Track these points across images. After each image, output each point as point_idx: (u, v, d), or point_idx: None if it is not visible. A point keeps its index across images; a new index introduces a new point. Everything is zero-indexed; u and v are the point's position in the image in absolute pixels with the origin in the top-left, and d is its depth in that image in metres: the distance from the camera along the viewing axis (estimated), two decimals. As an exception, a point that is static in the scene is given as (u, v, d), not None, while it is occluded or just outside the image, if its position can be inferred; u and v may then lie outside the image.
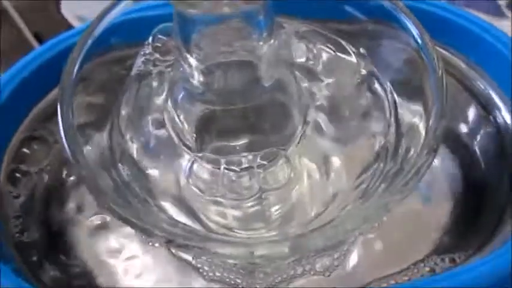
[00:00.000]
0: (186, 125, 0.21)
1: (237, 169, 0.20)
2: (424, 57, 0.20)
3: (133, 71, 0.23)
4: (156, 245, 0.23)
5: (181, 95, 0.20)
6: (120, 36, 0.23)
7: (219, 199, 0.22)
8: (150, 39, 0.23)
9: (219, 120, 0.20)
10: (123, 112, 0.22)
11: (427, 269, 0.21)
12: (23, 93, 0.26)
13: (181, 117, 0.20)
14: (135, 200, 0.19)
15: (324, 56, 0.24)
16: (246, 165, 0.20)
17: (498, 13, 0.47)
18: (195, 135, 0.20)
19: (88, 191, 0.18)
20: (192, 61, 0.18)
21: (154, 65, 0.23)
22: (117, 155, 0.21)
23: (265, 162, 0.21)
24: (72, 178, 0.25)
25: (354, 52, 0.24)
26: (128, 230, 0.23)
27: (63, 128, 0.18)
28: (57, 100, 0.19)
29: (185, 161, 0.22)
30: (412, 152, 0.19)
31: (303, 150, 0.22)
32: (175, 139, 0.21)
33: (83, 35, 0.20)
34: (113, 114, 0.22)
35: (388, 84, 0.22)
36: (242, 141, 0.20)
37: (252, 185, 0.21)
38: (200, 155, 0.20)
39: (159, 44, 0.23)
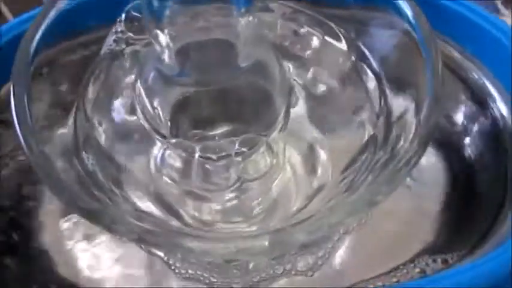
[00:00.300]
0: (159, 110, 0.19)
1: (213, 157, 0.19)
2: (419, 42, 0.18)
3: (103, 50, 0.21)
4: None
5: (152, 77, 0.18)
6: (93, 17, 0.21)
7: (194, 190, 0.20)
8: (123, 16, 0.21)
9: (194, 104, 0.18)
10: (90, 94, 0.20)
11: (417, 270, 0.19)
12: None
13: (153, 101, 0.18)
14: (100, 192, 0.18)
15: (312, 40, 0.23)
16: (224, 153, 0.19)
17: (495, 11, 0.46)
18: (168, 120, 0.19)
19: (44, 184, 0.16)
20: (164, 39, 0.16)
21: (128, 44, 0.22)
22: (80, 142, 0.19)
23: (244, 150, 0.19)
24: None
25: (344, 37, 0.22)
26: None
27: (16, 112, 0.16)
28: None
29: (157, 148, 0.20)
30: (402, 143, 0.17)
31: (285, 139, 0.20)
32: (146, 124, 0.19)
33: (38, 15, 0.18)
34: (78, 96, 0.20)
35: (379, 71, 0.21)
36: (219, 127, 0.18)
37: (230, 174, 0.19)
38: (173, 141, 0.18)
39: (133, 22, 0.22)
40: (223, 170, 0.19)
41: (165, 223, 0.20)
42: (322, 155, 0.21)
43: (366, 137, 0.20)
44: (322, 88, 0.22)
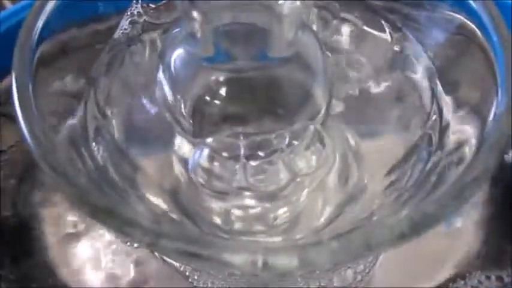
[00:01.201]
0: (182, 103, 0.16)
1: (261, 154, 0.16)
2: (481, 32, 0.16)
3: (117, 34, 0.19)
4: (135, 245, 0.20)
5: (179, 62, 0.16)
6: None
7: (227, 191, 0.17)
8: (139, -4, 0.19)
9: (227, 97, 0.16)
10: (103, 83, 0.18)
11: (469, 287, 0.17)
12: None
13: (178, 91, 0.16)
14: (111, 189, 0.15)
15: (350, 29, 0.21)
16: (273, 148, 0.16)
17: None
18: (192, 116, 0.16)
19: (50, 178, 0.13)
20: (198, 16, 0.14)
21: (144, 30, 0.19)
22: (91, 134, 0.17)
23: (296, 142, 0.16)
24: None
25: (387, 27, 0.20)
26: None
27: (20, 101, 0.14)
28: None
29: (183, 145, 0.18)
30: (464, 148, 0.15)
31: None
32: (170, 118, 0.16)
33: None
34: (89, 85, 0.18)
35: (430, 65, 0.18)
36: (257, 121, 0.16)
37: (281, 172, 0.17)
38: (210, 140, 0.16)
39: (148, 5, 0.19)
40: (273, 168, 0.17)
41: (182, 227, 0.18)
42: (359, 158, 0.19)
43: (414, 139, 0.17)
44: (359, 82, 0.20)
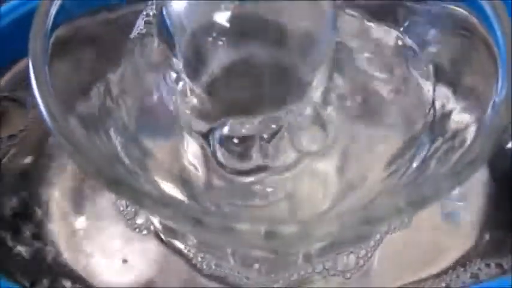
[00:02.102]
0: (199, 87, 0.17)
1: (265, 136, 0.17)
2: (483, 25, 0.16)
3: (133, 34, 0.20)
4: (144, 232, 0.20)
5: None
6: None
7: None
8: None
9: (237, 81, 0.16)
10: (118, 74, 0.19)
11: (469, 274, 0.17)
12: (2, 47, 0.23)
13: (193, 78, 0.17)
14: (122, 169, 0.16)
15: (354, 24, 0.21)
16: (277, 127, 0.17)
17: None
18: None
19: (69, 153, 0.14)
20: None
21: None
22: (102, 117, 0.17)
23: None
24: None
25: (391, 21, 0.20)
26: (111, 213, 0.21)
27: (36, 80, 0.15)
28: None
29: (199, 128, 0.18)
30: (464, 136, 0.15)
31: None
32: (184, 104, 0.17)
33: None
34: (104, 73, 0.18)
35: (432, 57, 0.19)
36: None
37: (287, 150, 0.18)
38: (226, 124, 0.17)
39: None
40: (280, 146, 0.17)
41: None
42: (360, 148, 0.20)
43: (416, 130, 0.18)
44: (361, 75, 0.20)
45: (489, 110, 0.14)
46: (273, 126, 0.17)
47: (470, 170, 0.13)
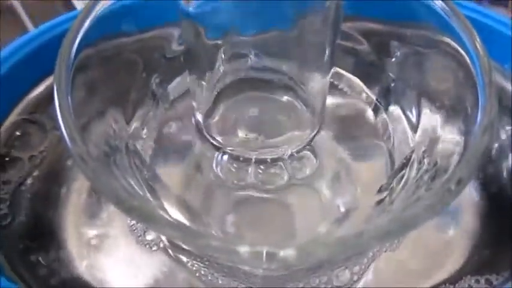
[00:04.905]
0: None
1: (268, 159, 0.19)
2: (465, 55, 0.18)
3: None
4: (154, 248, 0.22)
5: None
6: (133, 22, 0.21)
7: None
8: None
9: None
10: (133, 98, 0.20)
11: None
12: (22, 73, 0.24)
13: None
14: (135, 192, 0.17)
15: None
16: (277, 156, 0.19)
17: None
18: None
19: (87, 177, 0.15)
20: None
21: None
22: (120, 145, 0.19)
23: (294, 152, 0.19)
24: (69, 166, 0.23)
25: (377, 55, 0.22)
26: (123, 228, 0.22)
27: (60, 106, 0.16)
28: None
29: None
30: (446, 162, 0.17)
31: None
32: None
33: (79, 15, 0.18)
34: (121, 100, 0.20)
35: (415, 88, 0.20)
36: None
37: (282, 175, 0.19)
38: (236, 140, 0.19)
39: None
40: (275, 171, 0.19)
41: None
42: (351, 175, 0.21)
43: (400, 159, 0.19)
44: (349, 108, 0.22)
45: (471, 138, 0.16)
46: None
47: (453, 194, 0.14)
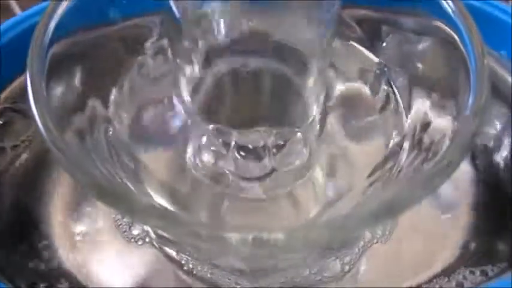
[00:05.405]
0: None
1: (249, 146, 0.18)
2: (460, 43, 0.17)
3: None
4: (140, 242, 0.21)
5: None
6: (118, 8, 0.20)
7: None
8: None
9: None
10: (116, 88, 0.19)
11: (454, 282, 0.18)
12: (5, 61, 0.24)
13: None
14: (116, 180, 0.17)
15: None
16: (260, 143, 0.18)
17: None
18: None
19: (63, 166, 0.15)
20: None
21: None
22: (97, 129, 0.18)
23: (281, 142, 0.18)
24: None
25: (369, 39, 0.21)
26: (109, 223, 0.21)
27: (33, 94, 0.15)
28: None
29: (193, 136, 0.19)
30: (437, 147, 0.16)
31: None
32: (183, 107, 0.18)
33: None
34: (99, 85, 0.19)
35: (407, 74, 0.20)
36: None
37: (264, 164, 0.18)
38: (212, 127, 0.18)
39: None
40: (257, 160, 0.18)
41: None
42: (347, 161, 0.20)
43: (392, 144, 0.19)
44: (344, 91, 0.21)
45: (459, 123, 0.15)
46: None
47: (442, 177, 0.14)
